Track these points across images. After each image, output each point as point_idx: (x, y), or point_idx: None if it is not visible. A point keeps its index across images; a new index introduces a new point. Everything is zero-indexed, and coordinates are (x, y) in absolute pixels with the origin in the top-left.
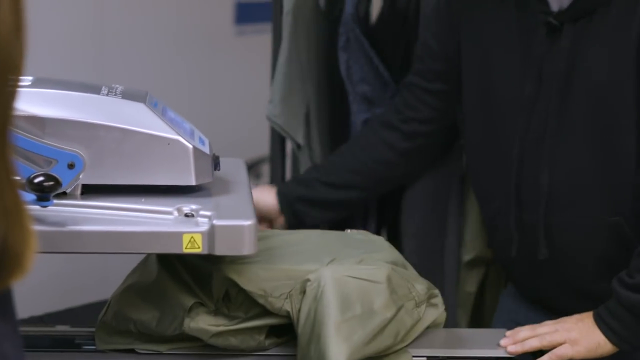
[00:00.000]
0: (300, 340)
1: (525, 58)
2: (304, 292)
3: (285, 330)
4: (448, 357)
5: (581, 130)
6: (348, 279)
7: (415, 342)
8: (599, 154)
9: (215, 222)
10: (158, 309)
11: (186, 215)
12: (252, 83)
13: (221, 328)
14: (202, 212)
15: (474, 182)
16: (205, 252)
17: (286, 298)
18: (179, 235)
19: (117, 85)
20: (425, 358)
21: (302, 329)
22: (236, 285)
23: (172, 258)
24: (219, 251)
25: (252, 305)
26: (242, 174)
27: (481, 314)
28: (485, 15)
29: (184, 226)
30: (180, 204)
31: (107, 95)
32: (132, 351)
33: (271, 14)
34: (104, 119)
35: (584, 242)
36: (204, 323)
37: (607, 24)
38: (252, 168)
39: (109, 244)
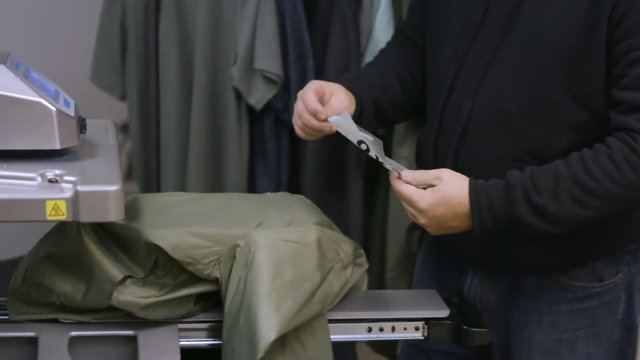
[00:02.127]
0: (230, 308)
1: None
2: (233, 257)
3: (212, 294)
4: (364, 319)
5: (513, 68)
6: (279, 242)
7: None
8: (522, 96)
9: (79, 187)
10: (83, 281)
11: (50, 180)
12: None
13: (151, 300)
14: (66, 178)
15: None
16: (70, 219)
17: (215, 264)
18: (41, 202)
19: None
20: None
21: (232, 296)
22: (165, 252)
23: (95, 225)
24: (84, 218)
25: (180, 272)
26: (111, 136)
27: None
28: None
29: (47, 192)
30: (44, 170)
31: None
32: (54, 320)
33: None
34: None
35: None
36: (132, 295)
37: None
38: None
39: None
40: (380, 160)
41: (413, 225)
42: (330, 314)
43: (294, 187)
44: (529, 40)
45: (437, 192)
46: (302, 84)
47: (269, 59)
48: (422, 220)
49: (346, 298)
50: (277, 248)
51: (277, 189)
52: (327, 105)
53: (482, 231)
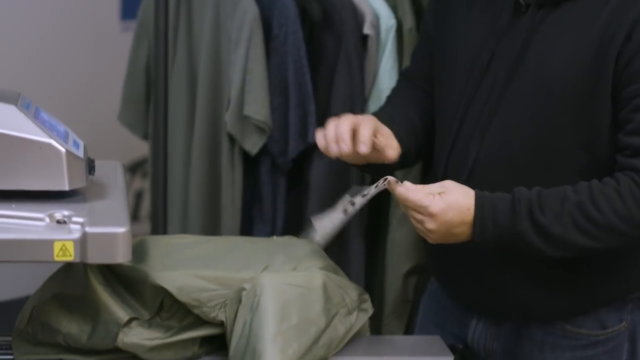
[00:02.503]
0: (235, 351)
1: (488, 30)
2: (239, 300)
3: (218, 337)
4: None
5: (519, 114)
6: (285, 286)
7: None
8: (528, 141)
9: (87, 229)
10: (89, 322)
11: (58, 221)
12: None
13: (156, 342)
14: (74, 219)
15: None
16: (78, 260)
17: (220, 307)
18: (49, 243)
19: None
20: None
21: (237, 339)
22: (171, 295)
23: (101, 266)
24: (92, 259)
25: (186, 314)
26: (120, 177)
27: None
28: None
29: (56, 233)
30: (53, 210)
31: None
32: None
33: None
34: None
35: None
36: (138, 337)
37: (572, 15)
38: (139, 167)
39: None
40: (370, 193)
41: (410, 272)
42: (335, 358)
43: (291, 233)
44: (535, 86)
45: (447, 197)
46: (303, 129)
47: (256, 106)
48: (429, 226)
49: (350, 343)
50: (283, 292)
51: (271, 234)
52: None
53: (481, 240)
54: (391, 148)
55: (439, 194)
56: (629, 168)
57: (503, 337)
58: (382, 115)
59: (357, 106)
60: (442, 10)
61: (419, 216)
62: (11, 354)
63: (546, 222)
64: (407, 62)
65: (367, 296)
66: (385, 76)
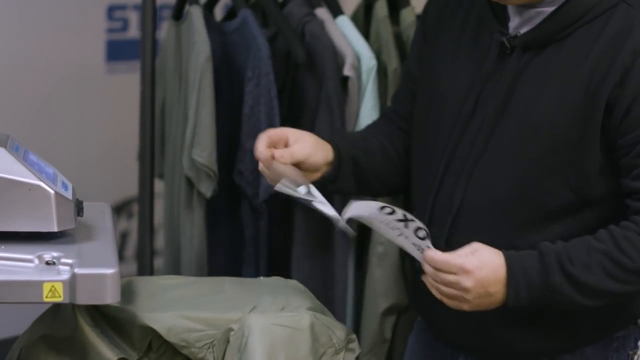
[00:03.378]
0: None
1: (473, 74)
2: (227, 341)
3: None
4: None
5: (505, 157)
6: (272, 327)
7: None
8: (515, 185)
9: (76, 270)
10: None
11: (47, 263)
12: (122, 122)
13: None
14: (63, 260)
15: (410, 192)
16: (67, 301)
17: (209, 348)
18: (39, 284)
19: None
20: None
21: None
22: (159, 335)
23: (90, 307)
24: (81, 300)
25: (174, 355)
26: (107, 219)
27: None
28: (448, 26)
29: (45, 274)
30: (42, 252)
31: None
32: None
33: None
34: None
35: None
36: None
37: (558, 59)
38: (124, 207)
39: None
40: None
41: (388, 311)
42: None
43: (276, 273)
44: (521, 130)
45: (479, 254)
46: None
47: (199, 149)
48: (466, 284)
49: None
50: (271, 332)
51: (255, 275)
52: (286, 150)
53: (516, 302)
54: (301, 150)
55: (471, 253)
56: None
57: None
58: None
59: None
60: (427, 54)
61: (452, 277)
62: None
63: (578, 272)
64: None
65: (354, 336)
66: (367, 117)
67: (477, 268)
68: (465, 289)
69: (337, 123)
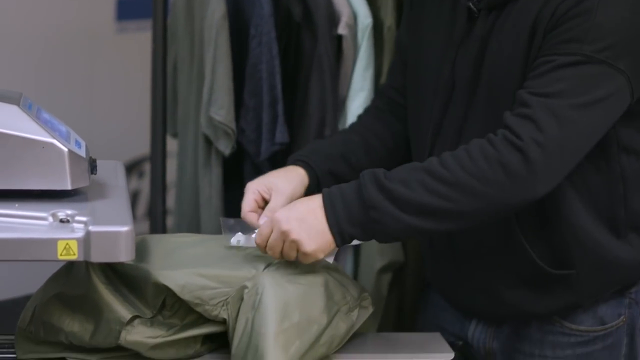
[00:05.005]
0: (237, 349)
1: (447, 42)
2: (241, 298)
3: (220, 335)
4: None
5: (484, 121)
6: (286, 284)
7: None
8: None
9: (91, 227)
10: (92, 321)
11: (61, 220)
12: (133, 81)
13: (158, 340)
14: (77, 218)
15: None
16: (82, 259)
17: (223, 305)
18: (53, 242)
19: None
20: None
21: (239, 337)
22: (173, 293)
23: (103, 265)
24: (95, 258)
25: (188, 312)
26: (120, 177)
27: (401, 318)
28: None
29: (59, 232)
30: (56, 209)
31: None
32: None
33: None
34: None
35: (478, 236)
36: (140, 335)
37: (514, 12)
38: (135, 167)
39: None
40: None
41: (383, 269)
42: (336, 356)
43: None
44: (492, 91)
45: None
46: (274, 130)
47: (216, 107)
48: (284, 227)
49: (351, 340)
50: (285, 290)
51: None
52: (267, 210)
53: (336, 224)
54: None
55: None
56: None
57: (503, 337)
58: (304, 151)
59: (330, 107)
60: (413, 22)
61: (273, 234)
62: (14, 353)
63: (393, 187)
64: (386, 60)
65: (367, 294)
66: (359, 76)
67: (286, 210)
68: (285, 232)
69: (328, 84)
